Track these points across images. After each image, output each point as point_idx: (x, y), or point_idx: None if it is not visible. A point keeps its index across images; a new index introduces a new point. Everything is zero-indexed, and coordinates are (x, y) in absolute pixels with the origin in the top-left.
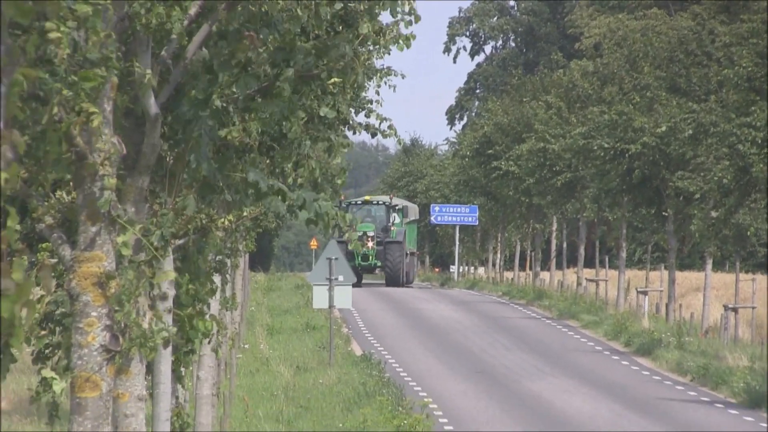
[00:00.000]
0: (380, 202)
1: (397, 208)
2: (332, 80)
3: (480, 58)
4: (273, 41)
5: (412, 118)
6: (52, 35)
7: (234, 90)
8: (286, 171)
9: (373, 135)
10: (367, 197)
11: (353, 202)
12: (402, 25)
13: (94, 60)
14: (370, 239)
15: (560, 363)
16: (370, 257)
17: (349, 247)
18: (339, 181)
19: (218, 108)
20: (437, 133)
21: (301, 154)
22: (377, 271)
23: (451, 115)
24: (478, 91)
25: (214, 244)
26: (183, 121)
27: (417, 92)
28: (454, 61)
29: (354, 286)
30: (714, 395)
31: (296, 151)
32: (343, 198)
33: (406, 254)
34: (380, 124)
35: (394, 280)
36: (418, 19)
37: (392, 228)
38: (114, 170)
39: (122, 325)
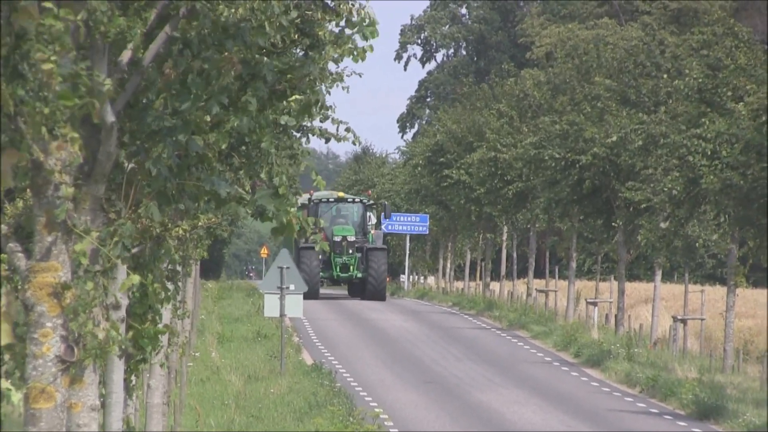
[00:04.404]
0: (356, 200)
1: (373, 206)
2: (294, 97)
3: (431, 66)
4: (237, 53)
5: (363, 126)
6: (45, 66)
7: (203, 104)
8: (241, 178)
9: (327, 140)
10: (340, 194)
11: (324, 200)
12: (359, 37)
13: (65, 75)
14: (350, 246)
15: (510, 374)
16: (351, 267)
17: (316, 248)
18: (316, 180)
19: (189, 120)
20: (388, 141)
21: (270, 163)
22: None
23: (402, 124)
24: (428, 99)
25: (168, 253)
26: (147, 131)
27: (367, 100)
28: (405, 69)
29: (307, 297)
30: (663, 407)
31: (266, 159)
32: (311, 194)
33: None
34: (337, 128)
35: (377, 293)
36: (375, 33)
37: (371, 231)
38: (71, 179)
39: (76, 335)
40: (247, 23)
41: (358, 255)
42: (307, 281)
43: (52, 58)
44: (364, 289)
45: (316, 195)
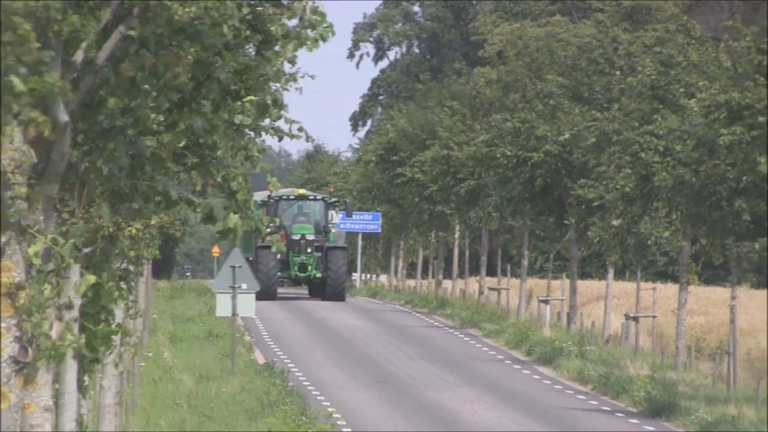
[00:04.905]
0: (317, 198)
1: (336, 204)
2: (249, 98)
3: (384, 64)
4: (194, 54)
5: (315, 124)
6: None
7: (154, 102)
8: (194, 179)
9: (280, 139)
10: (302, 191)
11: (284, 197)
12: (311, 32)
13: (28, 63)
14: (309, 244)
15: (463, 372)
16: (309, 266)
17: (273, 249)
18: (271, 182)
19: (140, 118)
20: (341, 139)
21: (226, 166)
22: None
23: (355, 122)
24: (381, 97)
25: (122, 253)
26: (99, 129)
27: (320, 99)
28: (357, 67)
29: (265, 298)
30: (615, 404)
31: (221, 163)
32: (272, 191)
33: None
34: (290, 126)
35: (337, 294)
36: (332, 33)
37: (331, 230)
38: (24, 179)
39: (30, 335)
40: (202, 23)
41: (318, 254)
42: (263, 281)
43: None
44: (324, 290)
45: (277, 192)
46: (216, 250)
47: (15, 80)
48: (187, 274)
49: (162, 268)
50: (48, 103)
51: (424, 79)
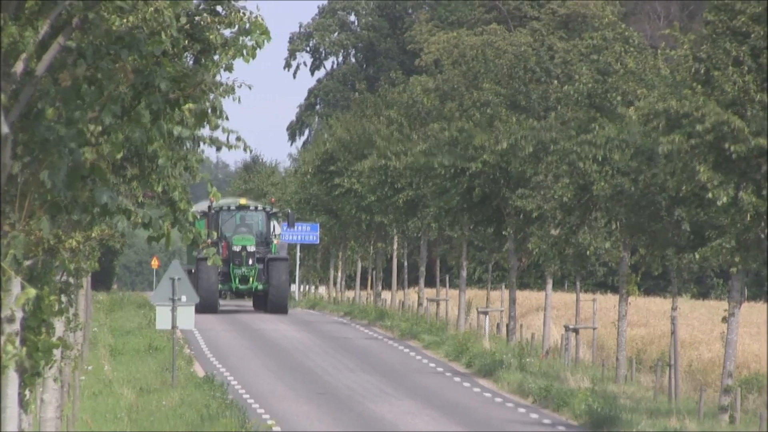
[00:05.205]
0: (259, 208)
1: (277, 215)
2: (188, 105)
3: (320, 73)
4: (132, 62)
5: (253, 134)
6: None
7: (95, 112)
8: (134, 190)
9: (218, 149)
10: (242, 201)
11: (225, 208)
12: (249, 39)
13: None
14: (250, 256)
15: (403, 384)
16: (251, 279)
17: (209, 263)
18: (211, 192)
19: (81, 129)
20: (278, 150)
21: (167, 176)
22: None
23: (292, 131)
24: (318, 107)
25: (62, 265)
26: (40, 140)
27: (257, 109)
28: (294, 77)
29: (206, 311)
30: (555, 417)
31: (162, 173)
32: (212, 201)
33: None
34: (227, 136)
35: (279, 306)
36: (268, 39)
37: (274, 241)
38: None
39: None
40: (140, 32)
41: (259, 266)
42: (204, 294)
43: None
44: (266, 302)
45: (218, 202)
46: (155, 263)
47: None
48: (114, 286)
49: (101, 281)
50: None
51: (361, 89)
